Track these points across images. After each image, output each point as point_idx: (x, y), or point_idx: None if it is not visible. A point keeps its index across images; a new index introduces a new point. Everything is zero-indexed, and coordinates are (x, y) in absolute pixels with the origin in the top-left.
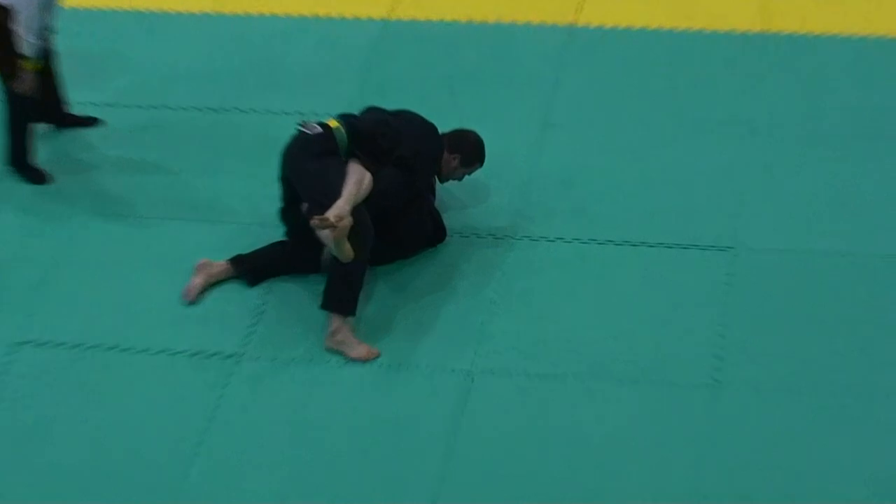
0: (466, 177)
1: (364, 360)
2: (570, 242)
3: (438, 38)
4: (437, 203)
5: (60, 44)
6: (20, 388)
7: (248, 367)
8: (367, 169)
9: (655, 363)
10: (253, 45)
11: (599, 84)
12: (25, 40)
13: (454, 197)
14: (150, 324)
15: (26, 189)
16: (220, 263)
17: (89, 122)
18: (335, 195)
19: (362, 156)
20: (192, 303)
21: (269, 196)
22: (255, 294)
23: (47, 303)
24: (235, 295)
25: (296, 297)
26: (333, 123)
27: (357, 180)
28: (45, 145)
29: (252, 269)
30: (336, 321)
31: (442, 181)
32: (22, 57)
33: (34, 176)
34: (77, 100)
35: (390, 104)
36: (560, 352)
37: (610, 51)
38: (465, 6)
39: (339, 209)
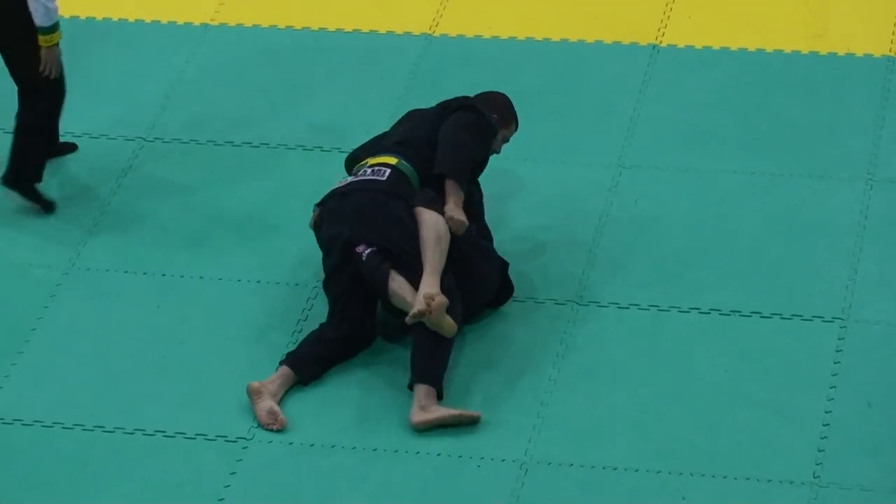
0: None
1: (469, 420)
2: (646, 310)
3: (491, 58)
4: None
5: None
6: None
7: (258, 452)
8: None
9: (746, 456)
10: (265, 65)
11: (686, 117)
12: (44, 5)
13: (507, 253)
14: (137, 401)
15: None
16: (273, 378)
17: (66, 148)
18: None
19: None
20: (282, 429)
21: (287, 250)
22: (263, 367)
23: (18, 374)
24: (237, 368)
25: None
26: (392, 160)
27: (434, 239)
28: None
29: (313, 366)
30: (427, 394)
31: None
32: (40, 30)
33: (42, 201)
34: None
35: None
36: (631, 440)
37: (700, 77)
38: (524, 20)
39: (429, 289)
